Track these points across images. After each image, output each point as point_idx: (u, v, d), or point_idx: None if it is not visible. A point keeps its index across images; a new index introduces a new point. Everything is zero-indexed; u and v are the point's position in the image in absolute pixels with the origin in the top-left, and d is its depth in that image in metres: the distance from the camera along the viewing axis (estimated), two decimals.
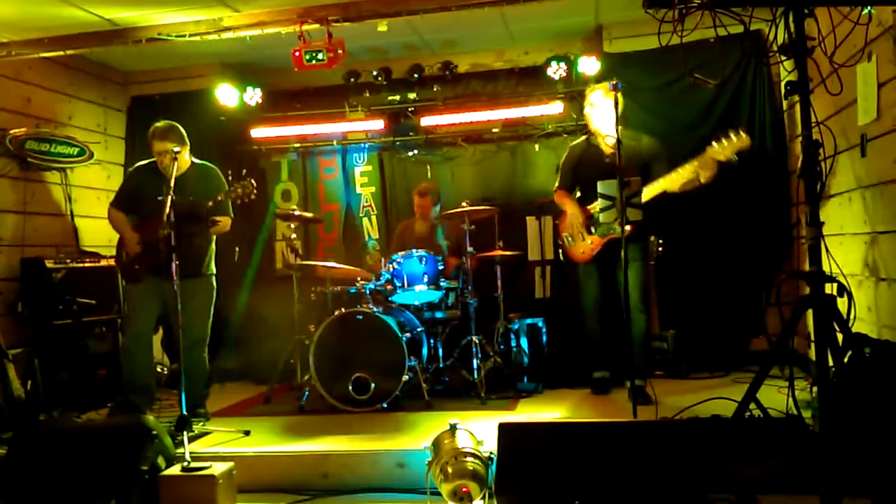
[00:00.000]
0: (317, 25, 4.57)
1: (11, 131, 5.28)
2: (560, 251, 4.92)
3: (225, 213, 4.52)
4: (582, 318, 4.82)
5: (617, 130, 4.03)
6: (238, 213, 4.68)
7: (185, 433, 3.56)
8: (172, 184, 3.91)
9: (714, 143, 4.12)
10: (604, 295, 4.64)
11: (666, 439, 2.99)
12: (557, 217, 5.74)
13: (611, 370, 4.79)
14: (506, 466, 3.05)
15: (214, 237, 4.60)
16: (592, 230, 4.59)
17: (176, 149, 4.18)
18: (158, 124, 4.48)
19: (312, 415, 4.65)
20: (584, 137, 4.86)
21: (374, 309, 4.70)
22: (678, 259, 5.09)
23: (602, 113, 4.49)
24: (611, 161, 4.51)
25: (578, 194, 4.80)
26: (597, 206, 4.46)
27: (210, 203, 4.32)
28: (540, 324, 5.13)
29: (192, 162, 4.55)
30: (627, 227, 3.82)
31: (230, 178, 4.36)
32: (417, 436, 3.84)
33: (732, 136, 4.06)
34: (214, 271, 4.62)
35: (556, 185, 4.92)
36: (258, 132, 6.25)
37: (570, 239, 4.76)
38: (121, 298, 5.38)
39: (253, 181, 4.36)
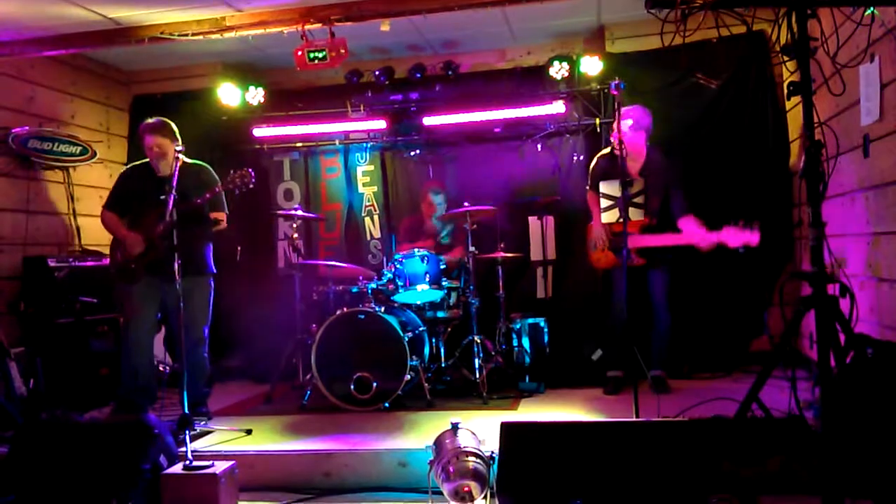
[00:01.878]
0: (319, 25, 4.58)
1: (14, 130, 5.29)
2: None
3: (220, 209, 4.51)
4: (609, 312, 4.84)
5: (619, 131, 4.07)
6: (239, 213, 4.68)
7: (186, 432, 3.57)
8: (175, 183, 3.91)
9: (731, 226, 4.25)
10: (632, 294, 4.64)
11: (668, 439, 2.99)
12: (558, 216, 5.79)
13: (625, 370, 4.79)
14: (507, 466, 3.05)
15: (211, 242, 4.60)
16: (611, 247, 4.68)
17: (179, 148, 4.18)
18: (150, 119, 4.50)
19: (314, 414, 4.65)
20: (609, 149, 4.91)
21: (376, 308, 4.70)
22: (679, 260, 5.07)
23: (633, 139, 4.63)
24: (637, 183, 4.57)
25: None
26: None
27: (207, 195, 4.31)
28: (542, 324, 5.13)
29: (185, 161, 4.53)
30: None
31: (231, 174, 4.35)
32: (419, 435, 3.85)
33: (747, 227, 4.19)
34: (214, 270, 4.62)
35: (589, 185, 4.98)
36: (260, 132, 6.25)
37: (594, 245, 4.84)
38: (119, 299, 5.37)
39: (250, 171, 4.34)
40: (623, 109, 4.49)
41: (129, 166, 4.72)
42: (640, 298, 4.72)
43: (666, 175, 4.66)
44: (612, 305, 4.83)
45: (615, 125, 4.52)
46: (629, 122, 4.62)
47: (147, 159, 4.54)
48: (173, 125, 4.50)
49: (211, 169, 4.63)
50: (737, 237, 4.22)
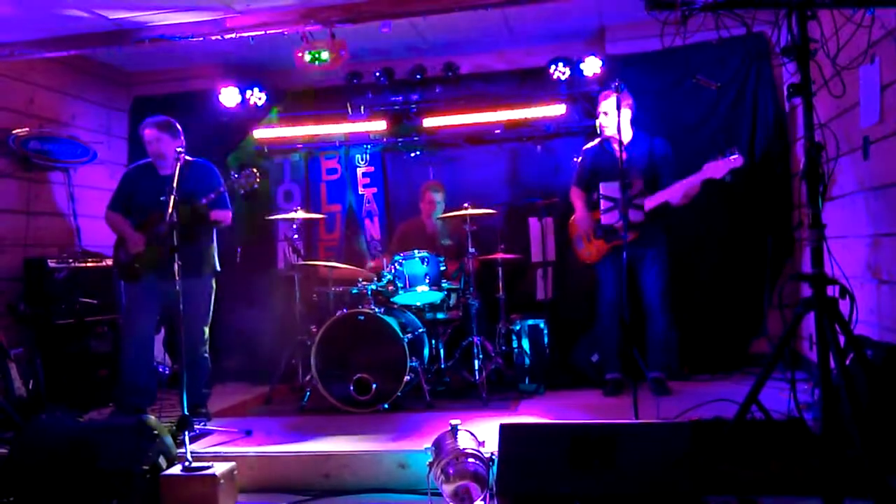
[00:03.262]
0: (319, 26, 4.58)
1: (15, 131, 5.29)
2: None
3: (224, 207, 4.52)
4: (599, 318, 4.85)
5: (619, 132, 4.08)
6: (239, 214, 4.68)
7: (186, 433, 3.56)
8: (176, 184, 3.91)
9: (710, 161, 4.30)
10: (620, 296, 4.64)
11: (667, 441, 2.99)
12: (558, 217, 5.79)
13: (624, 373, 4.78)
14: (507, 467, 3.05)
15: (215, 236, 4.61)
16: (599, 233, 4.67)
17: (179, 149, 4.19)
18: (151, 118, 4.53)
19: (314, 415, 4.65)
20: (597, 140, 4.91)
21: (376, 309, 4.70)
22: (679, 261, 5.09)
23: (615, 120, 4.55)
24: (625, 163, 4.56)
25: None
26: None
27: (212, 196, 4.32)
28: (541, 325, 5.13)
29: (187, 159, 4.55)
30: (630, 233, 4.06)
31: (235, 175, 4.36)
32: (419, 437, 3.84)
33: (728, 155, 4.24)
34: (218, 268, 4.63)
35: (573, 182, 4.99)
36: (261, 133, 6.25)
37: (578, 240, 4.86)
38: (121, 298, 5.38)
39: (255, 170, 4.36)
40: (606, 91, 4.56)
41: (132, 166, 4.74)
42: (633, 295, 4.71)
43: (651, 152, 4.67)
44: (600, 305, 4.83)
45: (611, 121, 4.54)
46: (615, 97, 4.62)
47: (148, 159, 4.56)
48: (177, 125, 4.51)
49: (214, 167, 4.64)
50: (719, 167, 4.27)
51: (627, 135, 4.72)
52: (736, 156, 4.22)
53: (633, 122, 4.79)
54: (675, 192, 4.48)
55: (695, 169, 4.47)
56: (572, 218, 4.95)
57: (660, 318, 4.71)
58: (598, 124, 4.84)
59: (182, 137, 4.54)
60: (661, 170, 4.65)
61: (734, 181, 4.31)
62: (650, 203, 4.53)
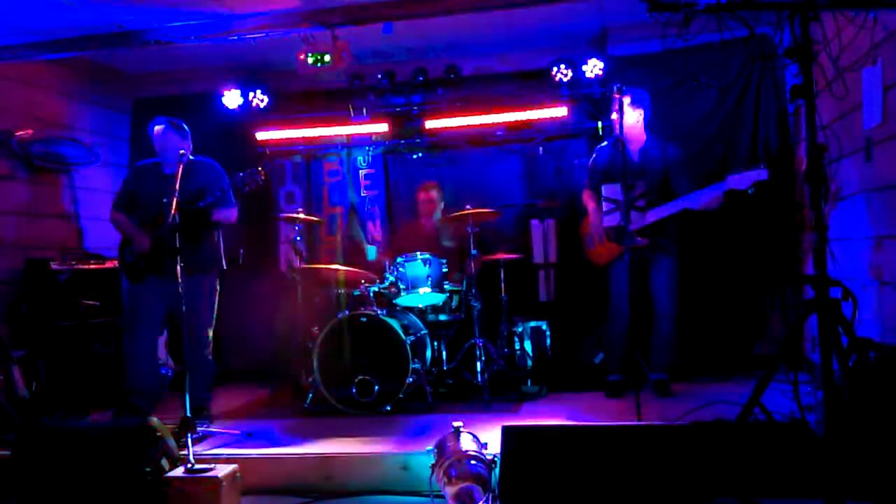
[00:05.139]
0: (321, 29, 4.59)
1: (17, 133, 5.30)
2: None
3: (227, 206, 4.52)
4: (609, 320, 4.84)
5: (621, 133, 4.07)
6: (241, 216, 4.69)
7: (189, 435, 3.56)
8: (178, 185, 3.91)
9: (734, 173, 4.21)
10: (631, 299, 4.64)
11: (670, 443, 2.99)
12: (559, 219, 5.79)
13: (626, 374, 4.78)
14: (510, 469, 3.05)
15: (220, 234, 4.62)
16: (612, 237, 4.65)
17: (182, 150, 4.20)
18: (162, 117, 4.56)
19: (316, 417, 4.65)
20: (608, 141, 4.91)
21: (378, 311, 4.70)
22: (682, 262, 5.09)
23: (627, 123, 4.55)
24: (638, 165, 4.56)
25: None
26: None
27: (217, 193, 4.33)
28: (544, 326, 5.13)
29: (191, 159, 4.55)
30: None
31: (241, 174, 4.37)
32: (421, 438, 3.85)
33: (753, 168, 4.16)
34: (224, 266, 4.63)
35: (586, 185, 4.98)
36: (263, 134, 6.26)
37: (590, 240, 4.85)
38: (124, 299, 5.38)
39: (260, 169, 4.35)
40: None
41: (136, 166, 4.74)
42: (641, 297, 4.71)
43: (665, 157, 4.66)
44: (612, 307, 4.82)
45: (615, 119, 4.53)
46: (627, 98, 4.56)
47: (153, 159, 4.57)
48: (185, 127, 4.54)
49: (218, 165, 4.64)
50: (744, 179, 4.16)
51: (641, 138, 4.72)
52: (762, 168, 4.13)
53: (649, 126, 4.77)
54: (694, 201, 4.43)
55: (695, 169, 4.46)
56: (585, 219, 4.94)
57: (666, 321, 4.71)
58: (600, 126, 4.83)
59: (189, 140, 4.54)
60: (674, 175, 4.63)
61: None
62: (668, 210, 4.50)
